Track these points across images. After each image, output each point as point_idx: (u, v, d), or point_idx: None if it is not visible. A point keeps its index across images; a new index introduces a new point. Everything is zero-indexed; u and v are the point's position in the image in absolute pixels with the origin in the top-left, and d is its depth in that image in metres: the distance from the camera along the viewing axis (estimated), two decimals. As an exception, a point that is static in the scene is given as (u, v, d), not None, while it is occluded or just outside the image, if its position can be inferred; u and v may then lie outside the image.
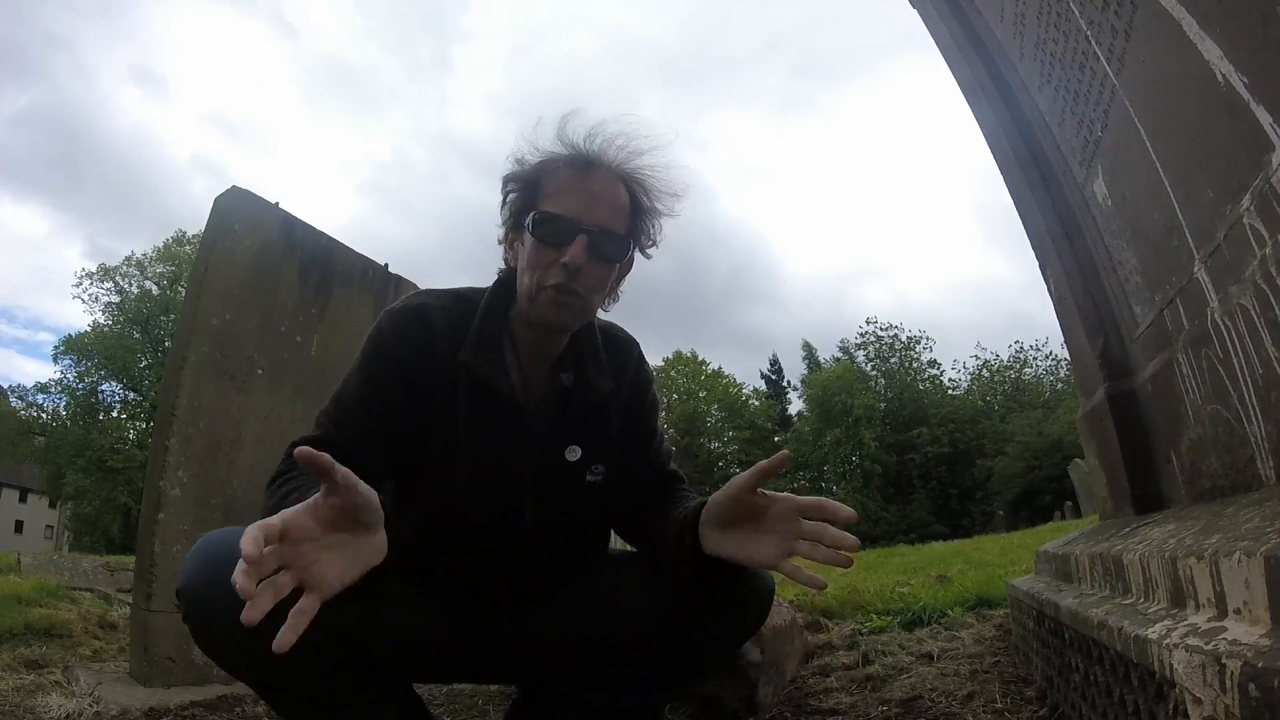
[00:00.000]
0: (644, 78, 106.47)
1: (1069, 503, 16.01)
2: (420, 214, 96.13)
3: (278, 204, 2.88)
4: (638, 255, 1.21)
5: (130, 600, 3.20)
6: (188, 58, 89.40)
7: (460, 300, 1.20)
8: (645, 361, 1.32)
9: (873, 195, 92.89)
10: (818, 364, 44.93)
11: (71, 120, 68.52)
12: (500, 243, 1.23)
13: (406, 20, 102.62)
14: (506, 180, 1.17)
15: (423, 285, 3.39)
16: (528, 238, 1.12)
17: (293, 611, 0.77)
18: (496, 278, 1.23)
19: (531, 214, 1.12)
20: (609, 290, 1.20)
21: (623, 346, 1.28)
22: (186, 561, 0.98)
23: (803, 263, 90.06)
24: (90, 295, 34.40)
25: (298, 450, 0.79)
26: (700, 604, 1.17)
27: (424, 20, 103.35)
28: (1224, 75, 0.97)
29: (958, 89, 2.25)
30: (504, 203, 1.19)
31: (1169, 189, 1.23)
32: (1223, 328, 1.09)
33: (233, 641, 0.93)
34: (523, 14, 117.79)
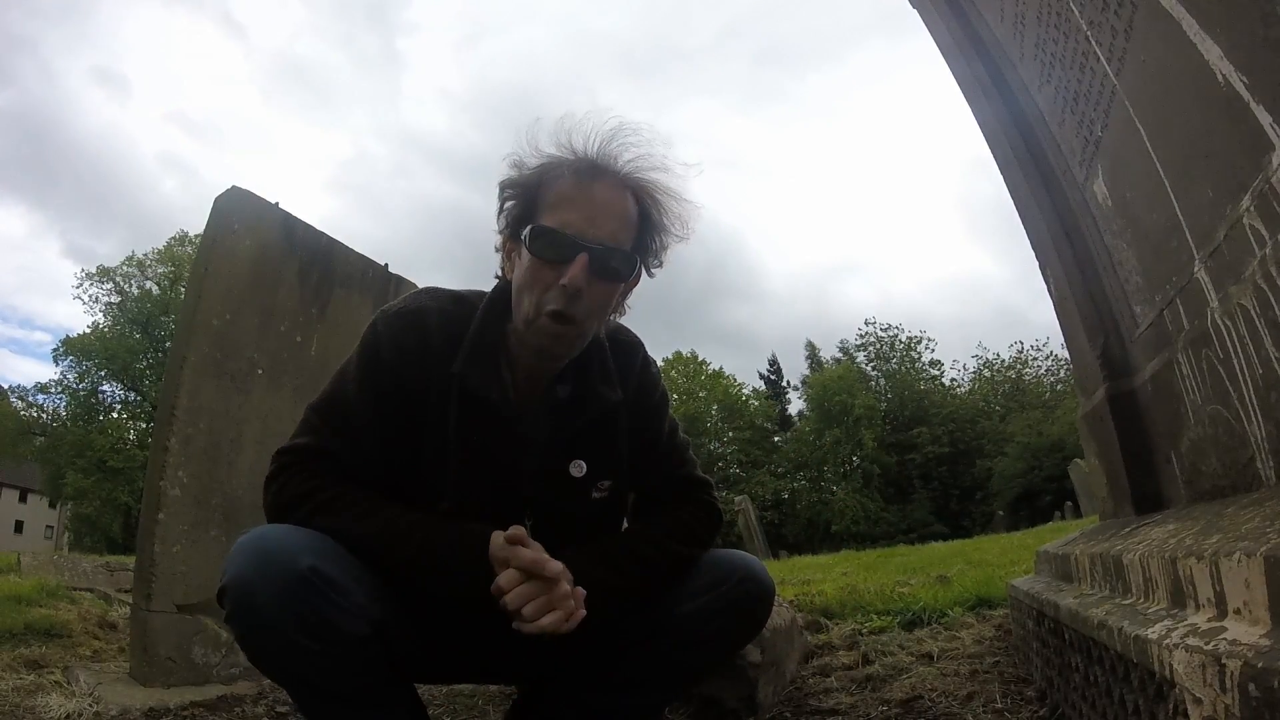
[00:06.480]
0: (601, 69, 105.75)
1: (1069, 503, 15.98)
2: (389, 211, 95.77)
3: (278, 204, 2.88)
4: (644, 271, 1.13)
5: (130, 600, 3.20)
6: (146, 58, 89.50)
7: (461, 304, 1.14)
8: (651, 363, 1.27)
9: (850, 187, 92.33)
10: (820, 363, 44.91)
11: (42, 122, 69.17)
12: (497, 250, 1.15)
13: (351, 14, 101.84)
14: (504, 186, 1.09)
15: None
16: (525, 253, 1.04)
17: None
18: (494, 286, 1.17)
19: (529, 227, 1.03)
20: (613, 308, 1.13)
21: (628, 351, 1.23)
22: (231, 560, 0.95)
23: (782, 258, 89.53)
24: (90, 296, 34.47)
25: (511, 534, 1.01)
26: (700, 606, 1.16)
27: (368, 13, 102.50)
28: (1224, 75, 0.97)
29: (956, 87, 2.24)
30: (500, 210, 1.11)
31: (1169, 189, 1.23)
32: (1223, 328, 1.09)
33: (281, 639, 0.93)
34: (467, 5, 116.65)
